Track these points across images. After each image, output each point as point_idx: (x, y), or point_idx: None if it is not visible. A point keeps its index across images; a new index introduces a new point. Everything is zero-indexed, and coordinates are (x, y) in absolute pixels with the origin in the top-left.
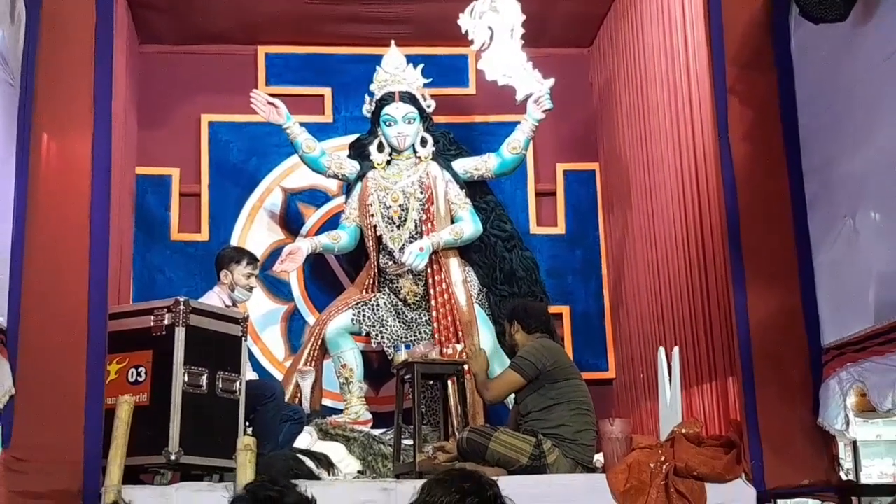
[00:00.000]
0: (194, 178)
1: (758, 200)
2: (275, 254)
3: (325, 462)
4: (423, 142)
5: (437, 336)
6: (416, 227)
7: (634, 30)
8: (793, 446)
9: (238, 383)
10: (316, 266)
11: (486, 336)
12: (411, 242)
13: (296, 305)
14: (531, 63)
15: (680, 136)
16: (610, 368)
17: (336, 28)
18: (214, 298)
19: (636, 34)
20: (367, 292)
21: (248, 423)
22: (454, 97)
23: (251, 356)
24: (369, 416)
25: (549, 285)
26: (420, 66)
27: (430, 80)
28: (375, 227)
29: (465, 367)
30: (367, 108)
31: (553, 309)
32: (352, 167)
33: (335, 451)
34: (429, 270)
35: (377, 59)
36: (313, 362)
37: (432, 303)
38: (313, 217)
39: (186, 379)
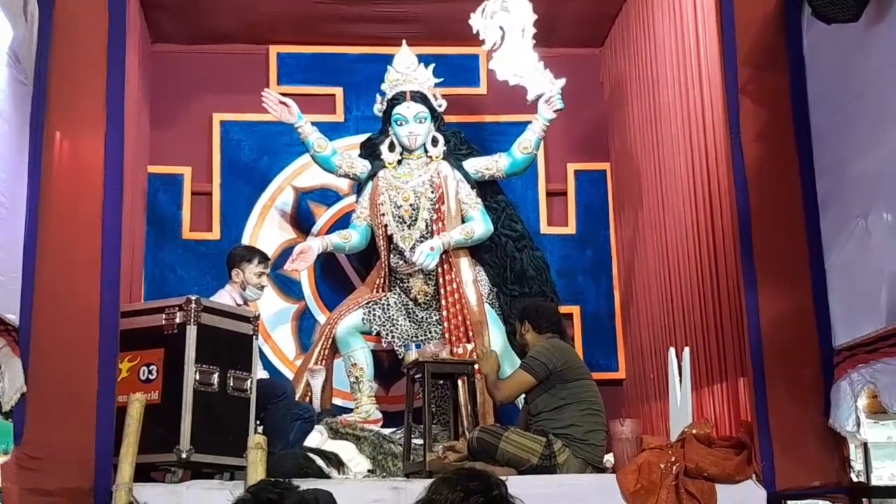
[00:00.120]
0: (206, 176)
1: (769, 201)
2: (286, 253)
3: (336, 461)
4: (434, 141)
5: (447, 335)
6: (426, 226)
7: (646, 30)
8: (803, 447)
9: (249, 382)
10: (327, 265)
11: (496, 336)
12: (422, 242)
13: (306, 304)
14: (542, 63)
15: (691, 136)
16: (620, 369)
17: (347, 28)
18: (226, 297)
19: (648, 34)
20: (377, 291)
21: (258, 422)
22: (465, 97)
23: (262, 355)
24: (379, 416)
25: (560, 285)
26: (431, 66)
27: (441, 79)
28: (386, 226)
29: (476, 366)
30: (378, 108)
31: (563, 309)
32: (363, 166)
33: (345, 449)
34: (439, 270)
35: (388, 59)
36: (324, 361)
37: (443, 302)
38: (324, 216)
39: (198, 377)
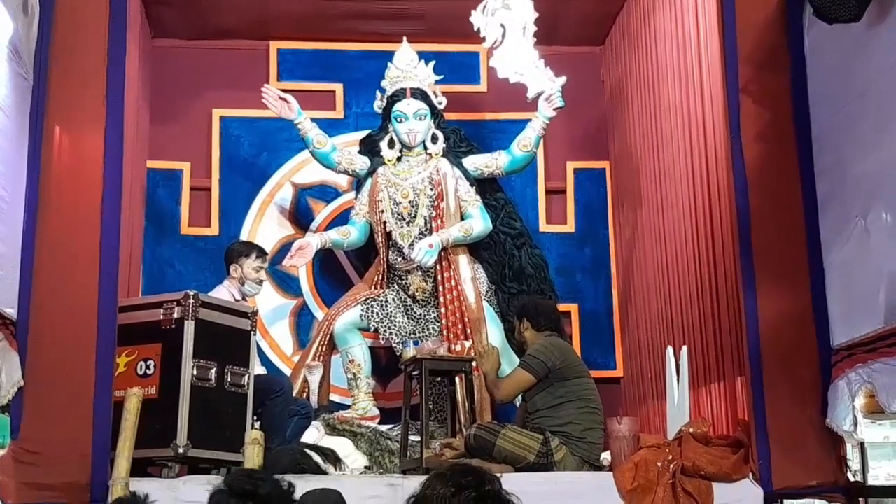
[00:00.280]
0: (205, 172)
1: (769, 200)
2: (284, 249)
3: (332, 457)
4: (434, 138)
5: (445, 333)
6: (425, 223)
7: (647, 29)
8: (801, 447)
9: (246, 377)
10: (325, 262)
11: (494, 333)
12: (421, 239)
13: (304, 301)
14: (543, 61)
15: (691, 135)
16: (618, 367)
17: (348, 24)
18: (224, 292)
19: (649, 33)
20: (375, 288)
21: (255, 418)
22: (465, 94)
23: (259, 351)
24: (377, 412)
25: (558, 283)
26: (431, 63)
27: (441, 76)
28: (385, 223)
29: (474, 363)
30: (378, 105)
31: (562, 307)
32: (362, 163)
33: (342, 446)
34: (438, 267)
35: (389, 56)
36: (321, 357)
37: (441, 299)
38: (323, 212)
39: (195, 372)
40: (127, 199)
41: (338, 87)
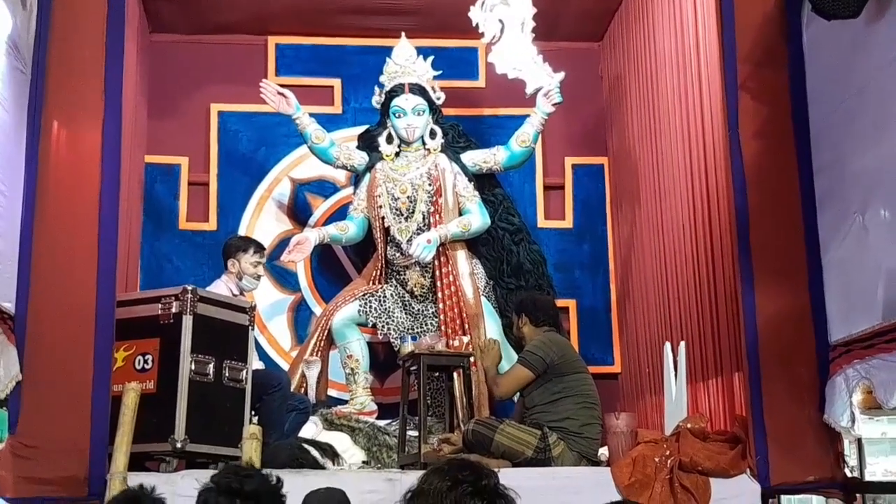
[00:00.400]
0: (203, 167)
1: (767, 197)
2: (282, 244)
3: (330, 452)
4: (433, 134)
5: (443, 328)
6: (423, 219)
7: (646, 25)
8: (798, 443)
9: (244, 372)
10: (323, 257)
11: (492, 328)
12: (419, 234)
13: (303, 296)
14: (541, 56)
15: (690, 131)
16: (616, 363)
17: (346, 19)
18: (222, 287)
19: (647, 29)
20: (374, 283)
21: (253, 412)
22: (464, 90)
23: (257, 346)
24: (374, 407)
25: (556, 279)
26: (430, 59)
27: (439, 72)
28: (383, 218)
29: (472, 359)
30: (376, 100)
31: (560, 303)
32: (360, 158)
33: (340, 441)
34: (436, 262)
35: (387, 51)
36: (319, 353)
37: (439, 295)
38: (321, 208)
39: (193, 367)
40: (125, 193)
41: (336, 83)
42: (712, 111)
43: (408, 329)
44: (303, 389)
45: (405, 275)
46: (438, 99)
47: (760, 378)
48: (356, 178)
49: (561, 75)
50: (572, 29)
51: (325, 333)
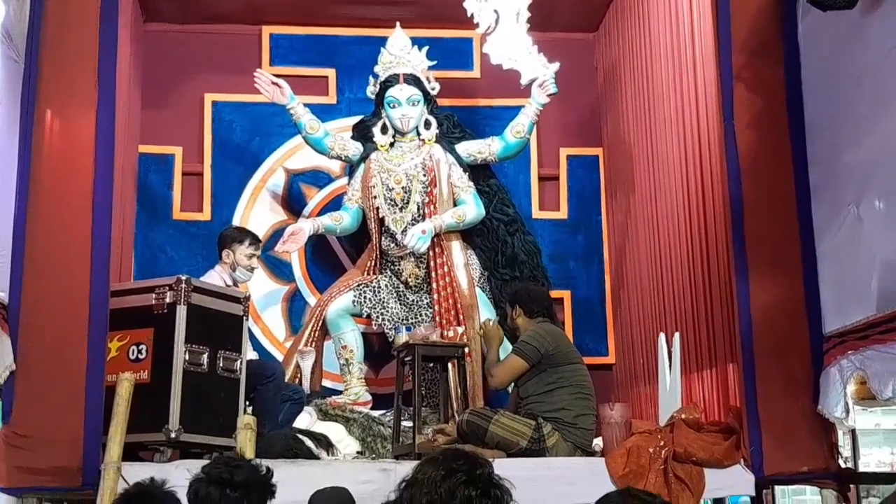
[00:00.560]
0: (197, 157)
1: (762, 188)
2: (277, 234)
3: (325, 442)
4: (427, 124)
5: (437, 319)
6: (418, 209)
7: (641, 15)
8: (792, 433)
9: (239, 362)
10: (318, 247)
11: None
12: (413, 225)
13: (297, 286)
14: (536, 47)
15: (685, 122)
16: (610, 353)
17: (341, 9)
18: (215, 278)
19: (642, 20)
20: (368, 274)
21: (248, 403)
22: (458, 80)
23: (251, 336)
24: (369, 398)
25: (551, 270)
26: (425, 49)
27: (434, 62)
28: (378, 209)
29: (466, 349)
30: (371, 90)
31: (554, 294)
32: (355, 149)
33: (334, 431)
34: (431, 253)
35: (382, 41)
36: (314, 343)
37: (433, 285)
38: (316, 198)
39: (187, 357)
40: (119, 183)
41: (331, 73)
42: (707, 102)
43: (402, 320)
44: (297, 380)
45: (400, 265)
46: (433, 89)
47: (754, 369)
48: (350, 168)
49: (556, 66)
50: (567, 19)
51: (320, 324)
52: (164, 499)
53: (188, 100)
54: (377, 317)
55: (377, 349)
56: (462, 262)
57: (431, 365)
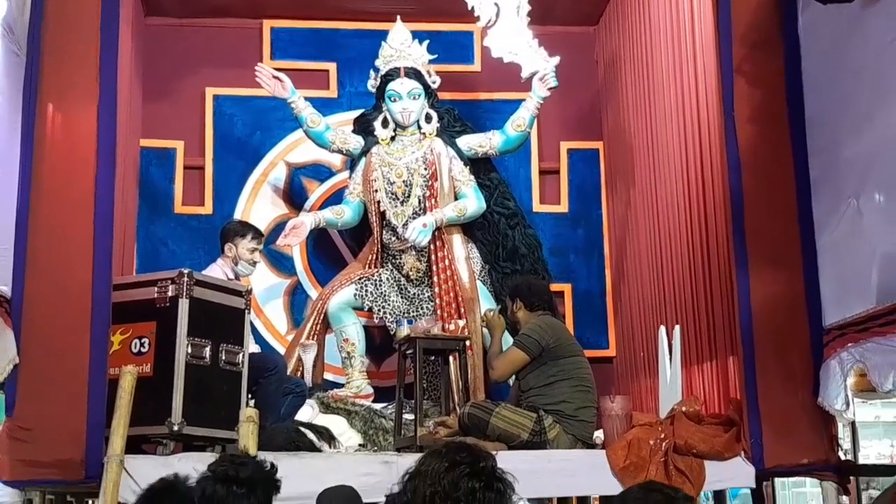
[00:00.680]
0: (198, 151)
1: (762, 181)
2: (278, 228)
3: (327, 435)
4: (428, 118)
5: (439, 312)
6: (419, 203)
7: (641, 8)
8: (792, 426)
9: (241, 356)
10: (319, 241)
11: None
12: (415, 218)
13: (298, 280)
14: (537, 40)
15: (685, 116)
16: (611, 346)
17: (341, 3)
18: (217, 271)
19: (643, 13)
20: (369, 267)
21: (250, 396)
22: (459, 74)
23: (253, 329)
24: (371, 391)
25: (552, 263)
26: (425, 43)
27: (435, 56)
28: (379, 202)
29: (467, 342)
30: (371, 84)
31: (555, 287)
32: (356, 142)
33: (336, 424)
34: (432, 247)
35: (382, 35)
36: (315, 336)
37: (435, 279)
38: (317, 192)
39: (189, 350)
40: (120, 177)
41: (331, 66)
42: (707, 95)
43: (404, 313)
44: (299, 373)
45: (401, 259)
46: (434, 83)
47: (755, 361)
48: (352, 162)
49: (556, 59)
50: (568, 13)
51: (321, 317)
52: (188, 494)
53: (189, 94)
54: (379, 310)
55: (379, 342)
56: (463, 256)
57: (433, 358)
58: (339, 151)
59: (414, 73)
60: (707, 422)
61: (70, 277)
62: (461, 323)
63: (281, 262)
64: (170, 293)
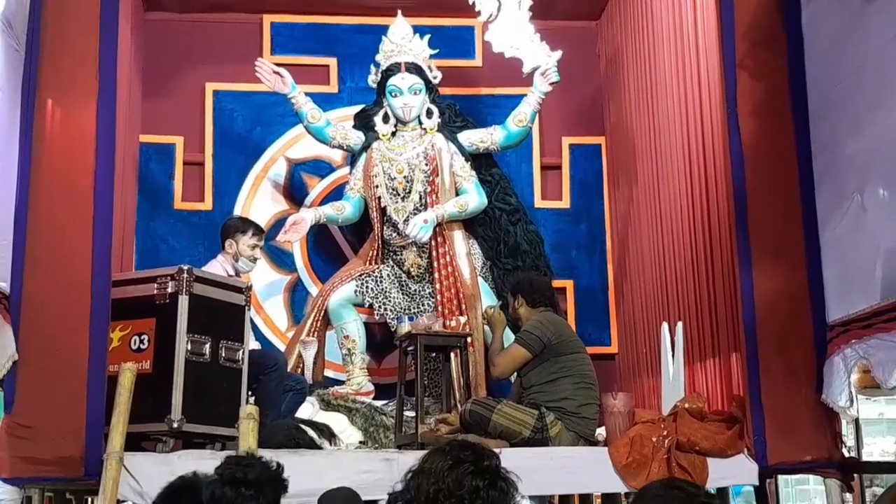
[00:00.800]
0: (198, 146)
1: (765, 176)
2: (278, 224)
3: (327, 432)
4: (429, 113)
5: (440, 308)
6: (420, 199)
7: (643, 3)
8: (796, 423)
9: (241, 352)
10: (319, 237)
11: None
12: (416, 214)
13: (299, 276)
14: (538, 35)
15: (688, 111)
16: (613, 343)
17: None
18: (217, 268)
19: (645, 8)
20: (370, 264)
21: (250, 393)
22: (460, 69)
23: (254, 326)
24: (371, 388)
25: (554, 259)
26: (426, 37)
27: (436, 51)
28: (380, 198)
29: (468, 339)
30: (372, 79)
31: (557, 283)
32: (357, 138)
33: (337, 421)
34: (433, 243)
35: (383, 30)
36: (316, 333)
37: (436, 275)
38: (317, 188)
39: (189, 347)
40: (120, 173)
41: (332, 61)
42: (710, 90)
43: (404, 309)
44: (299, 370)
45: (402, 255)
46: (435, 78)
47: (758, 358)
48: (352, 157)
49: (558, 54)
50: (569, 7)
51: (322, 314)
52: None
53: (189, 89)
54: (379, 306)
55: (379, 339)
56: (464, 252)
57: (434, 355)
58: (340, 147)
59: (415, 68)
60: (710, 419)
61: (69, 274)
62: (462, 319)
63: (281, 259)
64: (169, 289)
